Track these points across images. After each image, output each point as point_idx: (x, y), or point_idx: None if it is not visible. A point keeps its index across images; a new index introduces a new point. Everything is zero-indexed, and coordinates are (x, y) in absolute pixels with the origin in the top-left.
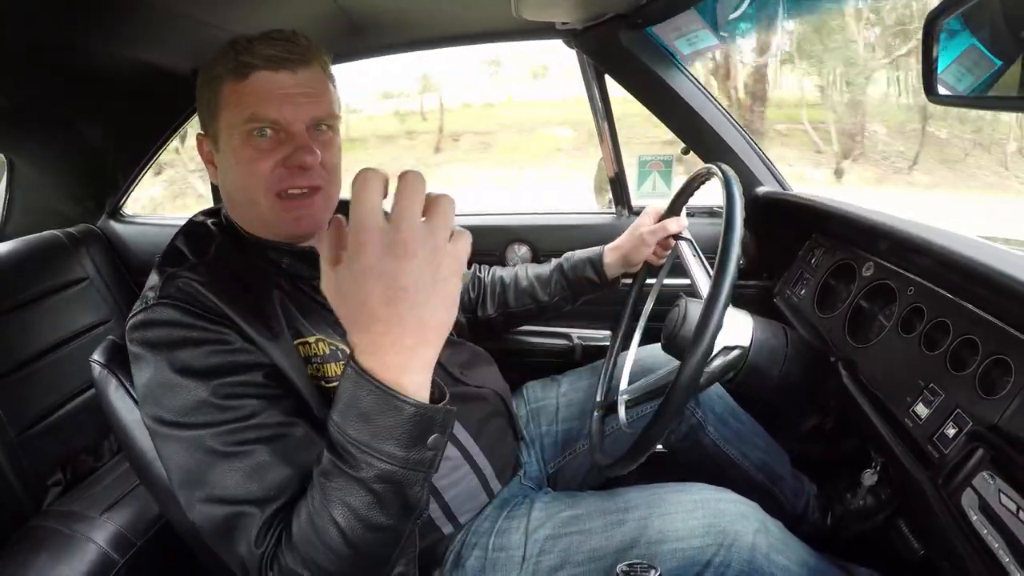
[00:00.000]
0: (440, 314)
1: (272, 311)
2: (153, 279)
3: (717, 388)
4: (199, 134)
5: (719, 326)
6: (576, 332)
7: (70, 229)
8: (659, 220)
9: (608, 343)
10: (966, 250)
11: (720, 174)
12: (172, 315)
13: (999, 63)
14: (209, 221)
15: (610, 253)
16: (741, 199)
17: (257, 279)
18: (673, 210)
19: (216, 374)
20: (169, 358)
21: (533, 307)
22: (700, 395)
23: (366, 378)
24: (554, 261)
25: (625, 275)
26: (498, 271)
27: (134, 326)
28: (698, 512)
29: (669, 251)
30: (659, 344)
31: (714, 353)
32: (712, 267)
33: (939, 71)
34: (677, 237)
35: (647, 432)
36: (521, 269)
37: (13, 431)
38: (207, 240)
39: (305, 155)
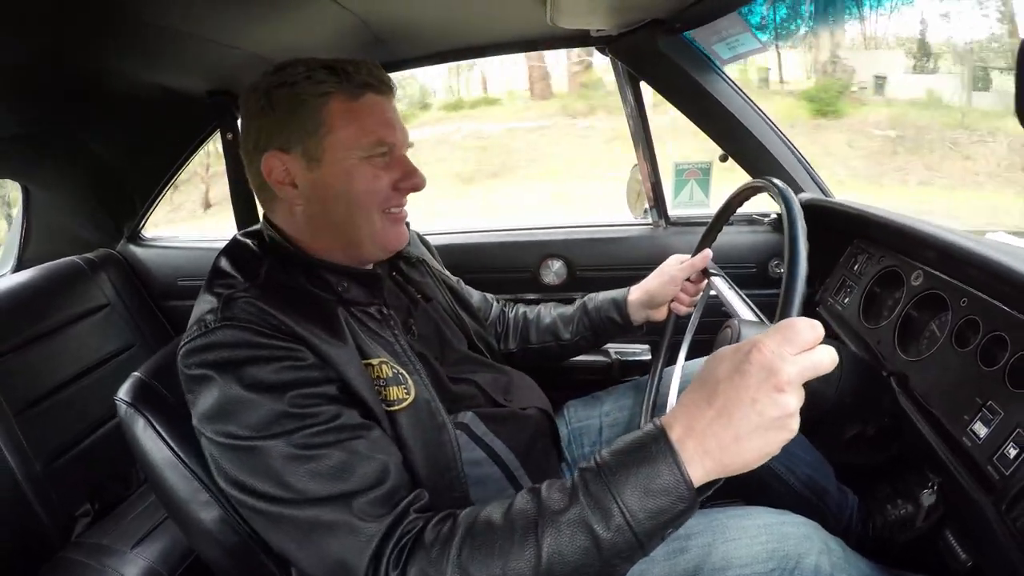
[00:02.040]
0: (756, 450)
1: (339, 327)
2: (206, 303)
3: None
4: (270, 153)
5: None
6: (614, 347)
7: (89, 255)
8: (695, 252)
9: (647, 357)
10: (1015, 264)
11: (775, 189)
12: (238, 336)
13: None
14: (252, 243)
15: (635, 292)
16: (800, 212)
17: (316, 298)
18: (705, 242)
19: (290, 387)
20: (238, 375)
21: (554, 345)
22: None
23: (678, 461)
24: (578, 300)
25: (650, 322)
26: (522, 308)
27: (193, 350)
28: (761, 537)
29: (699, 292)
30: (700, 359)
31: None
32: (746, 297)
33: None
34: (707, 274)
35: None
36: (544, 307)
37: (40, 462)
38: (255, 262)
39: (420, 179)
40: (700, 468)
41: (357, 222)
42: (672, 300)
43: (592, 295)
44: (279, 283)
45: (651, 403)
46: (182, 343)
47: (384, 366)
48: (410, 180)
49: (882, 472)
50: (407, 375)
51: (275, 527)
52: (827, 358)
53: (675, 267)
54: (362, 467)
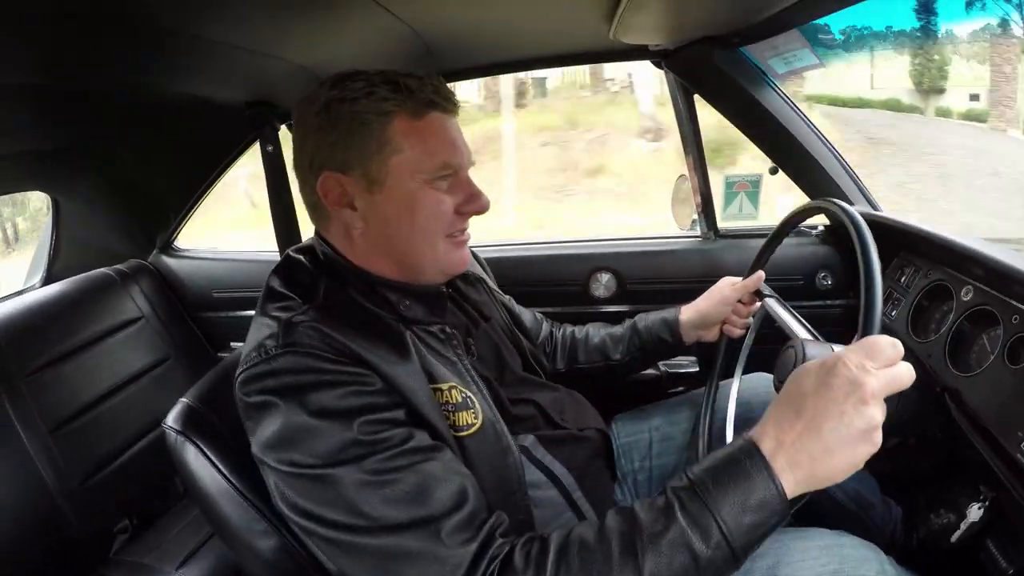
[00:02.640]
0: (844, 462)
1: (407, 349)
2: (264, 328)
3: None
4: (328, 174)
5: None
6: (663, 361)
7: (120, 266)
8: (748, 273)
9: (694, 369)
10: None
11: (840, 211)
12: (301, 363)
13: None
14: (304, 259)
15: (686, 312)
16: (870, 235)
17: (377, 320)
18: (759, 263)
19: (358, 413)
20: (302, 402)
21: (603, 365)
22: None
23: (772, 475)
24: (628, 321)
25: (701, 343)
26: (570, 328)
27: (253, 377)
28: (823, 559)
29: (751, 313)
30: (754, 375)
31: None
32: (800, 318)
33: None
34: (760, 295)
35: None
36: (592, 327)
37: (76, 478)
38: (312, 282)
39: (483, 203)
40: (792, 481)
41: (420, 248)
42: (724, 322)
43: (642, 315)
44: (339, 303)
45: (707, 420)
46: (240, 370)
47: (454, 391)
48: (474, 204)
49: (924, 481)
50: (474, 398)
51: (349, 557)
52: (907, 374)
53: (727, 288)
54: (440, 490)
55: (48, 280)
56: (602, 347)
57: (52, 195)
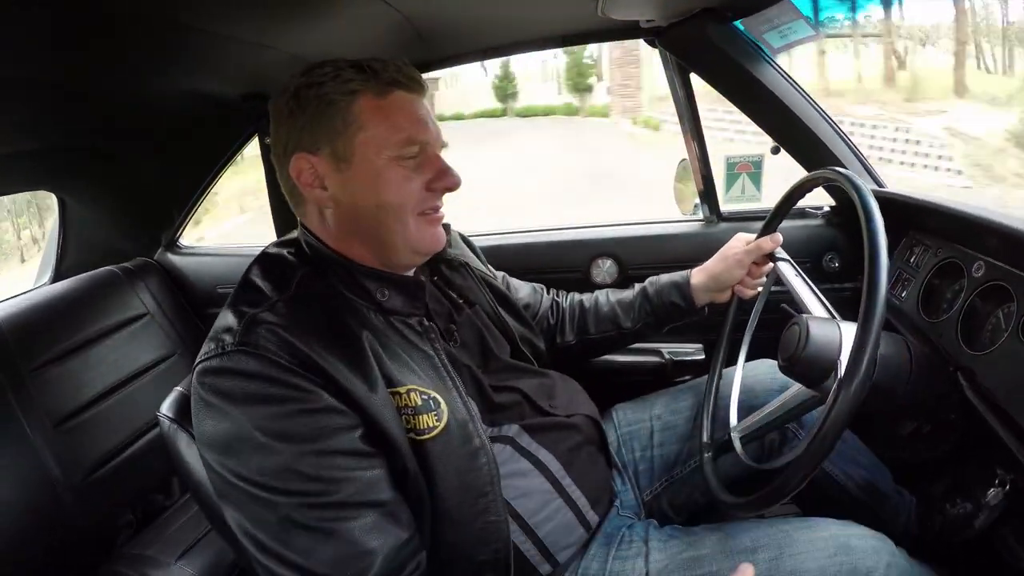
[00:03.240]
0: None
1: (365, 356)
2: (228, 319)
3: None
4: (299, 155)
5: (876, 353)
6: (667, 348)
7: (126, 264)
8: (755, 239)
9: (700, 357)
10: None
11: (845, 181)
12: (253, 366)
13: None
14: (286, 251)
15: (697, 275)
16: (876, 204)
17: (346, 316)
18: (771, 226)
19: (303, 439)
20: (249, 413)
21: (614, 333)
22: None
23: None
24: (637, 286)
25: (713, 304)
26: (576, 296)
27: (207, 371)
28: (829, 549)
29: (763, 275)
30: (758, 362)
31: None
32: (813, 286)
33: None
34: (773, 258)
35: (793, 474)
36: (602, 294)
37: (81, 473)
38: (288, 272)
39: (454, 178)
40: None
41: (390, 225)
42: (737, 283)
43: (652, 279)
44: (310, 295)
45: (710, 407)
46: (198, 360)
47: (413, 394)
48: (443, 180)
49: (938, 469)
50: (440, 398)
51: (260, 568)
52: None
53: (741, 249)
54: (352, 554)
55: (56, 278)
56: (612, 316)
57: (58, 194)
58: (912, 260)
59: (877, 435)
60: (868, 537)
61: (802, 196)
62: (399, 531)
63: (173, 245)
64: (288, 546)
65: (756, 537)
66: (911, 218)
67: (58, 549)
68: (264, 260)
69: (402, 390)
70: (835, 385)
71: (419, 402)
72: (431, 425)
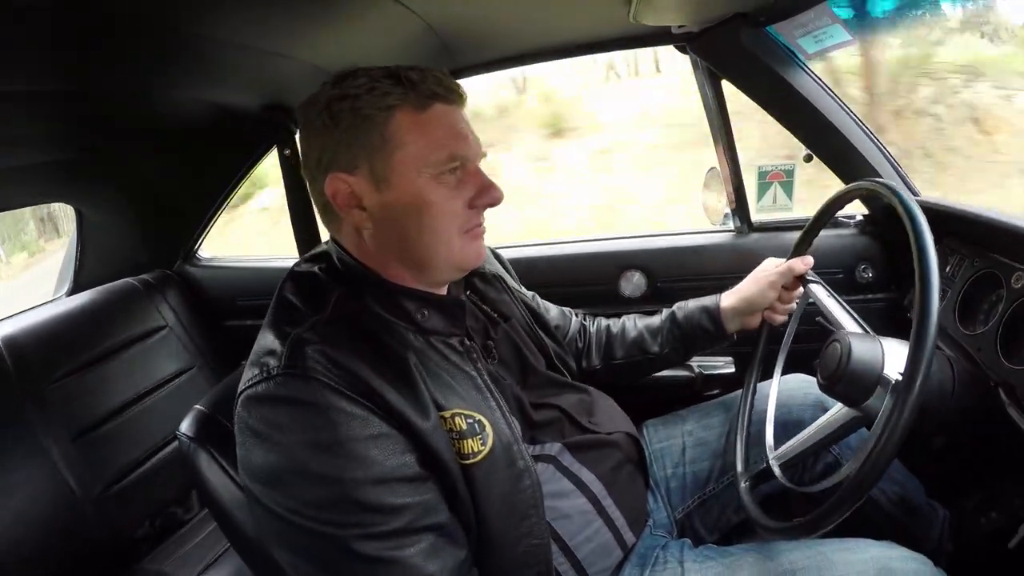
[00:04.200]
0: None
1: (414, 380)
2: (269, 340)
3: None
4: (334, 175)
5: (928, 373)
6: (696, 362)
7: (145, 276)
8: (786, 261)
9: (730, 370)
10: None
11: (889, 193)
12: (303, 391)
13: None
14: (317, 268)
15: (727, 298)
16: (924, 217)
17: (387, 338)
18: (802, 247)
19: (358, 468)
20: (302, 443)
21: (641, 359)
22: None
23: None
24: (665, 311)
25: (743, 331)
26: (604, 321)
27: (255, 399)
28: (869, 572)
29: (793, 299)
30: (790, 376)
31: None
32: (846, 305)
33: None
34: (804, 281)
35: (841, 502)
36: (629, 319)
37: (99, 485)
38: (322, 291)
39: (497, 193)
40: None
41: (433, 246)
42: (767, 308)
43: (681, 304)
44: (349, 316)
45: (745, 422)
46: (242, 386)
47: (458, 418)
48: (486, 196)
49: (971, 482)
50: (485, 420)
51: None
52: None
53: (772, 271)
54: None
55: (75, 290)
56: (640, 341)
57: (75, 206)
58: (948, 270)
59: (908, 448)
60: (909, 559)
61: (840, 208)
62: (456, 551)
63: (192, 257)
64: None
65: (794, 560)
66: (945, 227)
67: (77, 561)
68: (296, 278)
69: (447, 414)
70: (888, 405)
71: (464, 426)
72: (476, 450)
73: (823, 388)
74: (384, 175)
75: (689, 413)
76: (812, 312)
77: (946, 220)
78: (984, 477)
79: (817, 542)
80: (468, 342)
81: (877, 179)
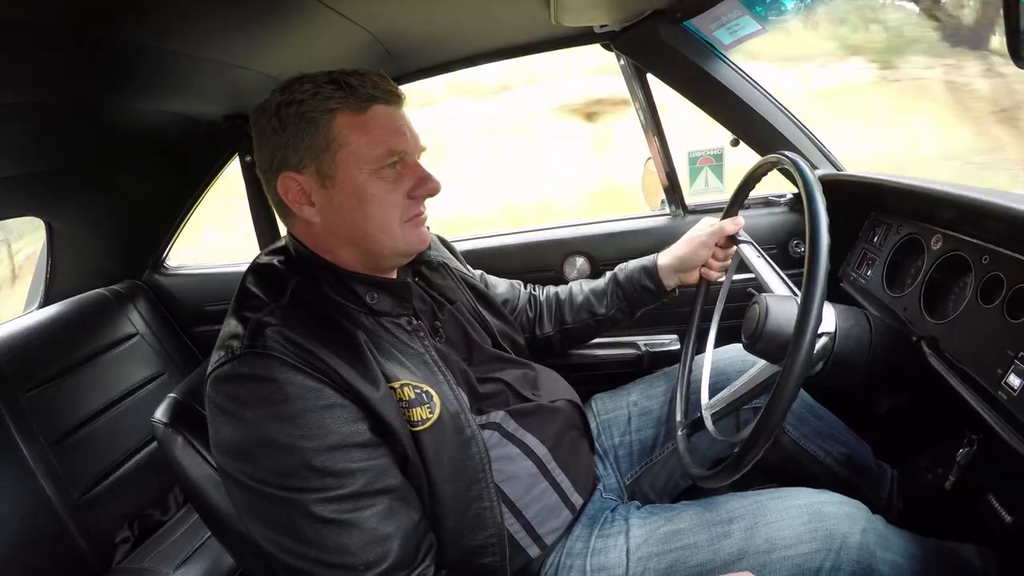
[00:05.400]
0: None
1: (364, 354)
2: (233, 326)
3: None
4: (285, 174)
5: (819, 319)
6: (643, 340)
7: (115, 286)
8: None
9: (676, 347)
10: None
11: (787, 160)
12: (264, 368)
13: None
14: (276, 260)
15: (664, 257)
16: (817, 182)
17: (340, 319)
18: (732, 209)
19: (314, 436)
20: (263, 416)
21: (590, 321)
22: None
23: None
24: (608, 273)
25: (682, 286)
26: (552, 289)
27: (222, 378)
28: (803, 517)
29: (728, 257)
30: (729, 347)
31: None
32: (775, 265)
33: None
34: (735, 240)
35: (751, 443)
36: (576, 285)
37: (77, 491)
38: (280, 280)
39: (434, 184)
40: None
41: (377, 235)
42: (703, 265)
43: (622, 265)
44: (306, 301)
45: (684, 399)
46: (210, 368)
47: (406, 388)
48: (424, 187)
49: (919, 444)
50: (432, 391)
51: (283, 569)
52: None
53: (705, 231)
54: (371, 540)
55: (46, 303)
56: (587, 304)
57: (45, 219)
58: (876, 240)
59: (855, 414)
60: (842, 504)
61: (757, 181)
62: (412, 513)
63: (160, 266)
64: (309, 542)
65: (732, 508)
66: (873, 199)
67: (58, 566)
68: (257, 269)
69: (396, 385)
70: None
71: (412, 396)
72: (424, 417)
73: (746, 347)
74: (329, 173)
75: (633, 386)
76: (747, 285)
77: (873, 193)
78: (928, 437)
79: (755, 492)
80: (416, 321)
81: (783, 151)
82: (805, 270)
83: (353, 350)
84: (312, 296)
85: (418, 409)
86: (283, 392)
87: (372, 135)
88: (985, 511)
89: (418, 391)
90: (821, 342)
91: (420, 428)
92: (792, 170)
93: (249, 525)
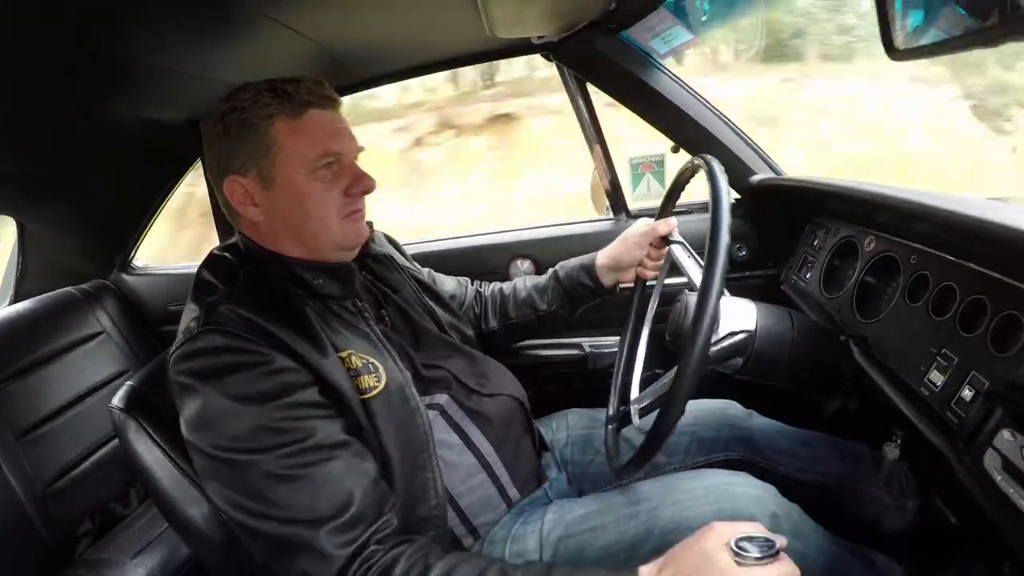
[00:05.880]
0: None
1: (312, 327)
2: (192, 311)
3: (773, 425)
4: (230, 178)
5: (717, 304)
6: (587, 341)
7: (84, 285)
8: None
9: (617, 348)
10: (965, 209)
11: (702, 161)
12: (219, 341)
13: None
14: (228, 254)
15: (601, 256)
16: (724, 176)
17: (289, 300)
18: (665, 211)
19: (269, 398)
20: (220, 386)
21: (532, 316)
22: (760, 443)
23: None
24: (550, 271)
25: (622, 285)
26: (498, 285)
27: (180, 357)
28: (710, 497)
29: (662, 257)
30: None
31: (719, 339)
32: (702, 263)
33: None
34: (668, 241)
35: (656, 428)
36: (520, 281)
37: (40, 485)
38: (233, 270)
39: (369, 182)
40: None
41: (316, 231)
42: (639, 265)
43: (563, 263)
44: (256, 285)
45: (617, 396)
46: (171, 351)
47: (354, 357)
48: (360, 185)
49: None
50: (378, 363)
51: (252, 538)
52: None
53: (639, 231)
54: (332, 493)
55: (16, 300)
56: (529, 300)
57: (16, 218)
58: (815, 243)
59: (803, 417)
60: (753, 487)
61: (685, 184)
62: (370, 468)
63: (127, 266)
64: (271, 502)
65: (644, 491)
66: (813, 204)
67: (20, 559)
68: (211, 261)
69: (344, 354)
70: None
71: (359, 364)
72: (372, 385)
73: (669, 344)
74: (270, 175)
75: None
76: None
77: (813, 197)
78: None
79: (672, 476)
80: (360, 303)
81: (702, 155)
82: (705, 261)
83: (302, 324)
84: (262, 281)
85: (366, 377)
86: (235, 361)
87: (308, 138)
88: (934, 514)
89: (365, 361)
90: (740, 338)
91: (368, 396)
92: (704, 169)
93: (217, 500)
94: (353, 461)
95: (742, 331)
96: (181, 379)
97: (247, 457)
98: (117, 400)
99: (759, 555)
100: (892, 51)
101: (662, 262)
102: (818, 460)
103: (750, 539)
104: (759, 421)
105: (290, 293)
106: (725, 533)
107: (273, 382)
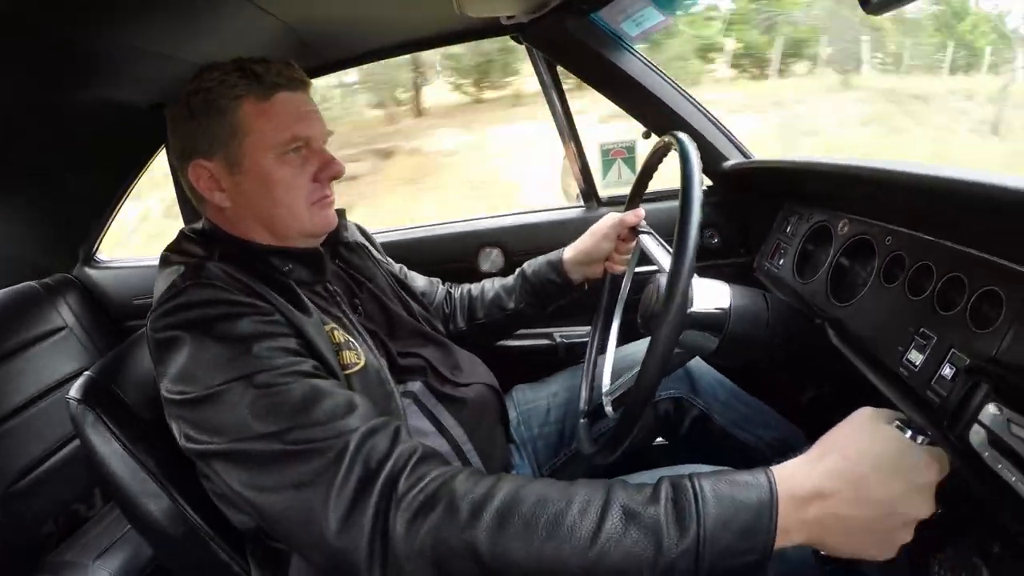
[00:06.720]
0: (873, 548)
1: (296, 293)
2: (174, 270)
3: (716, 375)
4: (195, 162)
5: (689, 275)
6: (558, 331)
7: (46, 279)
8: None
9: (588, 338)
10: (937, 172)
11: (672, 138)
12: (209, 294)
13: None
14: (196, 236)
15: (568, 252)
16: (695, 150)
17: (268, 276)
18: (635, 198)
19: (258, 338)
20: (209, 332)
21: (501, 316)
22: (700, 385)
23: (774, 510)
24: (517, 270)
25: (591, 280)
26: (467, 286)
27: (165, 312)
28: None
29: (631, 249)
30: (639, 341)
31: (692, 313)
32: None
33: None
34: (637, 231)
35: (627, 413)
36: (488, 282)
37: (2, 485)
38: (206, 247)
39: (338, 167)
40: (790, 537)
41: (284, 217)
42: (607, 259)
43: (530, 261)
44: (233, 258)
45: (589, 387)
46: (151, 312)
47: (336, 332)
48: (328, 170)
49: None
50: (356, 343)
51: (246, 469)
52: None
53: (607, 224)
54: (328, 400)
55: None
56: (497, 299)
57: None
58: (788, 229)
59: (780, 403)
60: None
61: (654, 170)
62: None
63: (91, 259)
64: (283, 412)
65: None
66: (786, 189)
67: None
68: (183, 235)
69: (327, 328)
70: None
71: (342, 339)
72: (354, 361)
73: (641, 327)
74: (237, 159)
75: (554, 378)
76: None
77: (786, 181)
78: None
79: (638, 474)
80: (331, 287)
81: (673, 132)
82: (677, 232)
83: (290, 293)
84: (236, 262)
85: (347, 352)
86: (220, 311)
87: (276, 121)
88: None
89: (346, 338)
90: (714, 313)
91: (350, 371)
92: (674, 144)
93: (204, 451)
94: (342, 386)
95: (716, 308)
96: (164, 334)
97: (229, 386)
98: (74, 391)
99: (923, 437)
100: (866, 5)
101: (630, 256)
102: (756, 424)
103: (904, 422)
104: (707, 369)
105: (262, 277)
106: (883, 414)
107: (261, 326)
